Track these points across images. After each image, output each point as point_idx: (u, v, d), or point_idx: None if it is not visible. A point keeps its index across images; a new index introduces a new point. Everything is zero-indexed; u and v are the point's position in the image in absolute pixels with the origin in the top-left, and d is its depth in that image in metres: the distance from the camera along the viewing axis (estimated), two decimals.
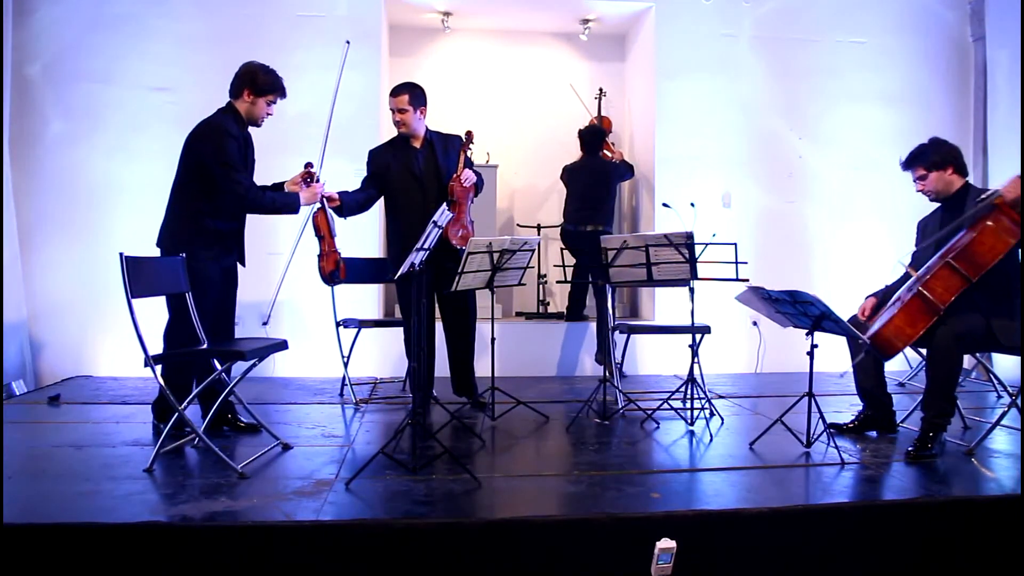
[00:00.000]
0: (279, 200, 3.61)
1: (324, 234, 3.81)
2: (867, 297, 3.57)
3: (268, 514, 2.48)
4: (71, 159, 5.22)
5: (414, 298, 3.08)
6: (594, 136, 5.59)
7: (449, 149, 4.07)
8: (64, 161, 5.22)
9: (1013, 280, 3.19)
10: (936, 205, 3.58)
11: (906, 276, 3.46)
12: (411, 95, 3.95)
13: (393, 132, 4.17)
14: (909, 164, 3.52)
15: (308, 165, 3.73)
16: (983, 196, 3.24)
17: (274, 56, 5.21)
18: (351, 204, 3.93)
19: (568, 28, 6.46)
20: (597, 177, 5.48)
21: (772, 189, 5.85)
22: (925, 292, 3.16)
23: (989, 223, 3.13)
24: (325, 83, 5.41)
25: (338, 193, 3.87)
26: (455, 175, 3.99)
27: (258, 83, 3.55)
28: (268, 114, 3.64)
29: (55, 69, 5.21)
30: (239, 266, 3.74)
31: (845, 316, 3.25)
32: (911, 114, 5.86)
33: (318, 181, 3.72)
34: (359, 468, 2.90)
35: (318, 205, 3.78)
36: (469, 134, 4.15)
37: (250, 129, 3.67)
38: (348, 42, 3.81)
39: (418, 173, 3.99)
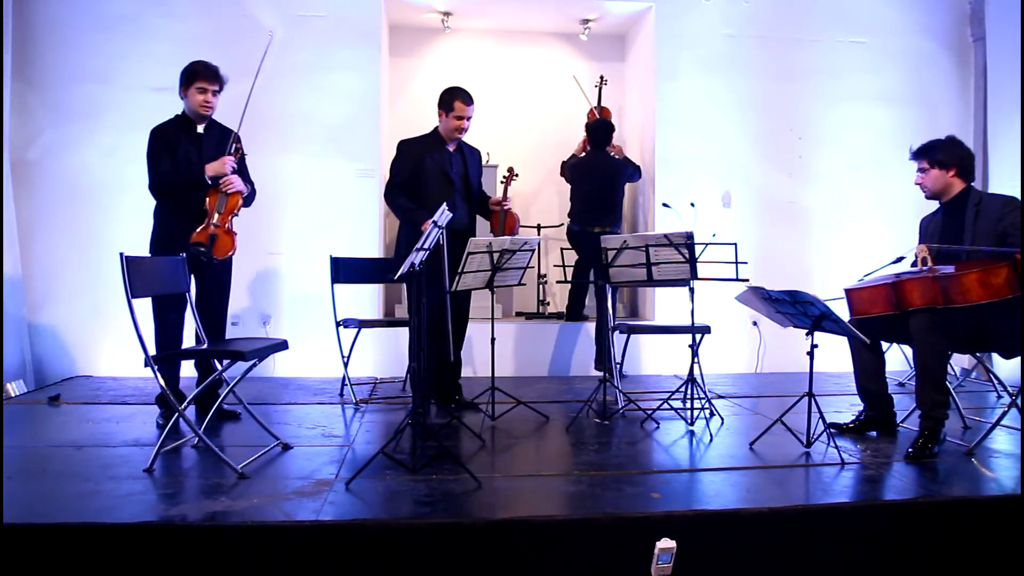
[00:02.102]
0: (180, 180, 3.69)
1: (208, 209, 3.68)
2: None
3: (268, 514, 2.48)
4: (71, 159, 5.22)
5: (414, 298, 3.08)
6: (601, 131, 5.44)
7: (473, 160, 4.18)
8: (64, 161, 5.22)
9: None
10: (927, 201, 3.59)
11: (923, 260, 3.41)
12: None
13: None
14: (917, 154, 3.51)
15: (235, 139, 3.81)
16: (1004, 251, 3.15)
17: (274, 56, 5.24)
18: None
19: (568, 28, 6.46)
20: (606, 176, 5.34)
21: (772, 189, 5.85)
22: (902, 286, 3.21)
23: (975, 274, 3.07)
24: (325, 83, 5.42)
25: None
26: (505, 204, 4.19)
27: (183, 77, 3.75)
28: (205, 103, 3.73)
29: (55, 69, 5.21)
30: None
31: (845, 316, 3.25)
32: (911, 114, 5.87)
33: (233, 153, 3.78)
34: (359, 468, 2.89)
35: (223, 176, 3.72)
36: (511, 170, 4.28)
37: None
38: (272, 33, 3.83)
39: (453, 176, 4.06)
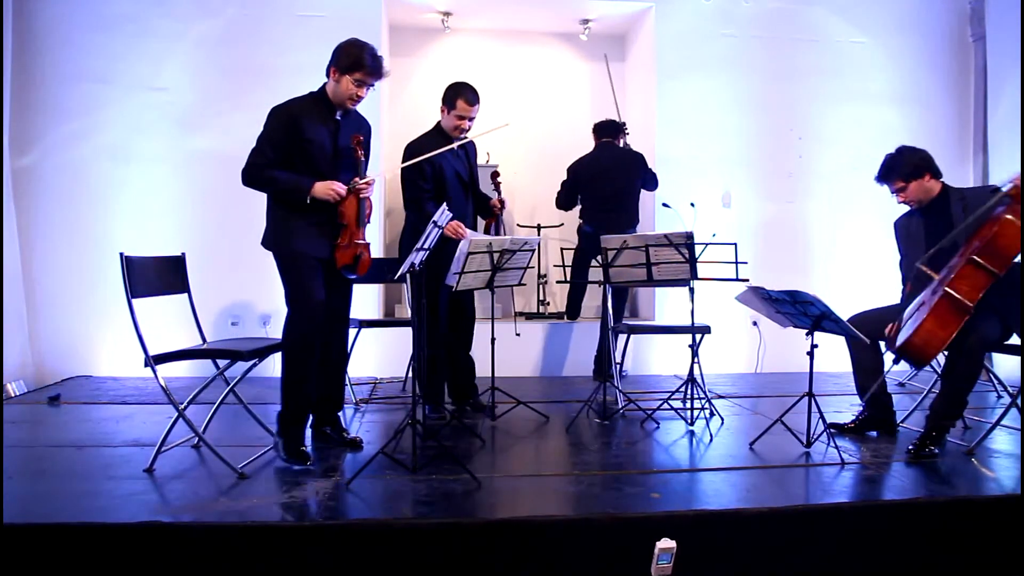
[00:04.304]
0: (283, 180, 3.10)
1: (348, 222, 3.17)
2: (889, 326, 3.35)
3: (268, 514, 2.48)
4: (71, 159, 5.22)
5: (413, 299, 3.07)
6: (606, 124, 5.23)
7: (472, 155, 4.06)
8: (64, 161, 5.21)
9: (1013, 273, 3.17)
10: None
11: (909, 291, 3.37)
12: None
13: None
14: (885, 177, 3.46)
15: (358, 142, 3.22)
16: (997, 195, 3.15)
17: (274, 56, 5.27)
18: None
19: (568, 28, 6.46)
20: (618, 172, 5.05)
21: (772, 189, 5.85)
22: (952, 292, 3.06)
23: (1008, 216, 3.07)
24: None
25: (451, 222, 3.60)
26: (498, 202, 4.01)
27: (343, 58, 3.12)
28: (357, 96, 3.16)
29: (55, 69, 5.21)
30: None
31: (845, 316, 3.25)
32: (911, 114, 5.87)
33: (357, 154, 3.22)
34: (359, 468, 2.90)
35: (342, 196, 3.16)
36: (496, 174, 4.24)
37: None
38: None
39: (464, 176, 3.96)
